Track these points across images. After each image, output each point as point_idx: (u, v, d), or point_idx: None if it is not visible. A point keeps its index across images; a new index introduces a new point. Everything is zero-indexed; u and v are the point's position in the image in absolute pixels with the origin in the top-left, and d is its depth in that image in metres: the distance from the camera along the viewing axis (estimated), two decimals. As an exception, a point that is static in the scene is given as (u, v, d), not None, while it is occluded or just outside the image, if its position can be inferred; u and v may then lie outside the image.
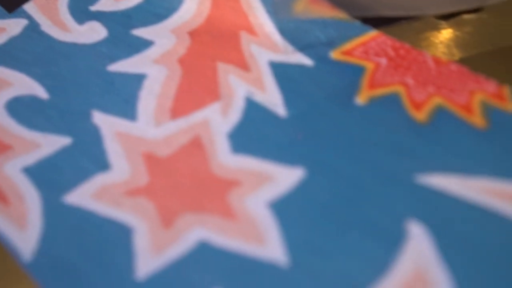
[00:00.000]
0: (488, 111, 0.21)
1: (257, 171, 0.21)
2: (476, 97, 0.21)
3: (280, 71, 0.23)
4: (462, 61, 0.23)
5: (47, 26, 0.26)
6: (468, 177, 0.19)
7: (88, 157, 0.22)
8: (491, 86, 0.21)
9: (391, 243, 0.18)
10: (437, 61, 0.22)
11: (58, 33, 0.26)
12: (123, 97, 0.24)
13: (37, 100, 0.24)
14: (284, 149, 0.21)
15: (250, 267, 0.19)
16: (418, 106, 0.21)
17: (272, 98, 0.23)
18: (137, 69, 0.24)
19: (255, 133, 0.22)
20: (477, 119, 0.20)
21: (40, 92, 0.24)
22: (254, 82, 0.23)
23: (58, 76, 0.25)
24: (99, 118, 0.23)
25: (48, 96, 0.24)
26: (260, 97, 0.23)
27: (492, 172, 0.19)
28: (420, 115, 0.21)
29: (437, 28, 0.25)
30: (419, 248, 0.18)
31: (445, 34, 0.24)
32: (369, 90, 0.22)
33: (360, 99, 0.22)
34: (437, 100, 0.21)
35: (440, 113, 0.21)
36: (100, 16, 0.26)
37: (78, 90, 0.24)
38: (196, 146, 0.22)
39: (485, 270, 0.17)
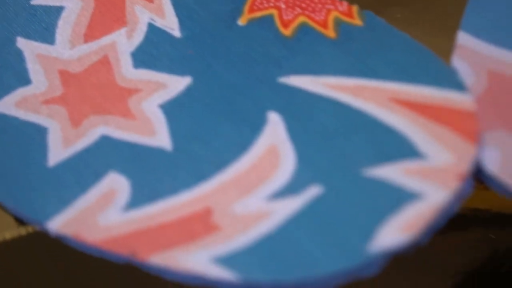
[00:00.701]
0: (340, 25, 0.25)
1: (153, 81, 0.25)
2: (331, 15, 0.25)
3: (178, 1, 0.27)
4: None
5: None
6: (319, 76, 0.23)
7: (11, 75, 0.26)
8: (343, 6, 0.25)
9: (255, 129, 0.23)
10: (305, -11, 0.26)
11: (-14, -26, 0.29)
12: (43, 26, 0.27)
13: (-32, 31, 0.27)
14: (177, 63, 0.25)
15: (142, 153, 0.23)
16: (286, 24, 0.25)
17: (170, 23, 0.27)
18: (56, 3, 0.28)
19: (154, 52, 0.26)
20: (331, 32, 0.25)
21: None
22: (156, 10, 0.27)
23: (-13, 10, 0.28)
24: (22, 43, 0.27)
25: None
26: (160, 23, 0.27)
27: (337, 71, 0.23)
28: (287, 32, 0.25)
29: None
30: (274, 130, 0.22)
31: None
32: (249, 13, 0.26)
33: (241, 21, 0.26)
34: (301, 19, 0.25)
35: (303, 29, 0.25)
36: None
37: (5, 21, 0.28)
38: (104, 64, 0.26)
39: (323, 143, 0.22)
